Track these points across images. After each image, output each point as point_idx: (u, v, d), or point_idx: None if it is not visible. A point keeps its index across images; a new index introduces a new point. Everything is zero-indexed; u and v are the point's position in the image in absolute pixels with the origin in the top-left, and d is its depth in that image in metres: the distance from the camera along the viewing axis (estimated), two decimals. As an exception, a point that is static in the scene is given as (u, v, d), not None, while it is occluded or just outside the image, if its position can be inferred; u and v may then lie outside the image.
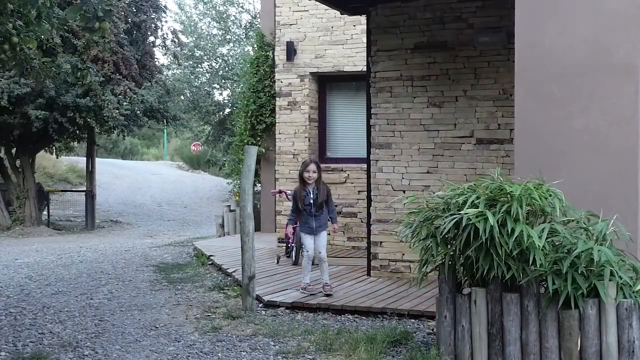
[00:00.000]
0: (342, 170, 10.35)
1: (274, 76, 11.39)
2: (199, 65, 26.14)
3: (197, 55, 25.65)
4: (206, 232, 16.98)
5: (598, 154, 5.48)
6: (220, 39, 26.11)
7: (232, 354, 5.16)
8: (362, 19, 9.25)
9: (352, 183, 10.21)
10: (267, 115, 12.27)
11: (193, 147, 36.76)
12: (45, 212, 19.24)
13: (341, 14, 9.05)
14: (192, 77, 25.68)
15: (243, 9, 26.90)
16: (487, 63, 7.50)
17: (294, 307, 6.52)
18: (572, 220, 4.67)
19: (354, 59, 10.29)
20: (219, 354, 5.16)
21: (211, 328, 5.87)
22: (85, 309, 6.86)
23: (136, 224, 21.03)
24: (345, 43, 10.39)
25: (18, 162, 18.33)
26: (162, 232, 18.58)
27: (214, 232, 14.44)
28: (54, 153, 20.57)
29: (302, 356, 5.05)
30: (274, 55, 11.52)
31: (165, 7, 18.24)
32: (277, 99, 10.99)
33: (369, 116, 7.99)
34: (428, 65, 7.71)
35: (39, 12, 5.82)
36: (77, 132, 17.89)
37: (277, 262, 8.93)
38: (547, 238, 4.38)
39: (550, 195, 4.53)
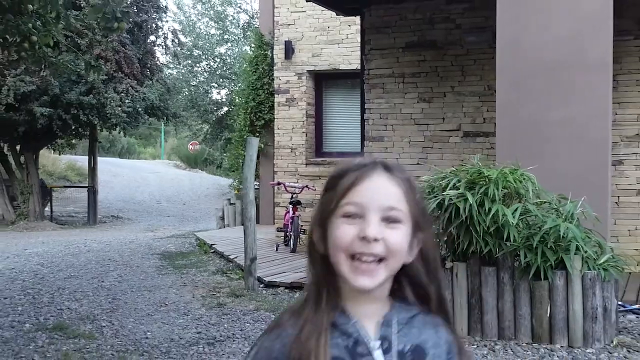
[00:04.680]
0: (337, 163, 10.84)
1: (273, 74, 11.88)
2: (197, 65, 26.63)
3: (196, 54, 26.13)
4: (205, 227, 17.43)
5: (574, 144, 5.99)
6: (218, 38, 26.60)
7: (236, 325, 5.66)
8: (357, 19, 9.74)
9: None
10: (266, 111, 12.76)
11: (190, 146, 37.14)
12: (47, 208, 19.71)
13: (337, 14, 9.55)
14: (190, 75, 26.18)
15: (241, 9, 27.39)
16: (473, 61, 8.01)
17: (293, 286, 7.02)
18: (545, 202, 5.18)
19: (349, 58, 10.78)
20: (225, 325, 5.66)
21: (217, 304, 6.37)
22: (97, 290, 7.35)
23: (136, 220, 21.48)
24: (340, 42, 10.88)
25: (22, 159, 18.79)
26: (162, 226, 19.03)
27: (213, 227, 14.93)
28: (57, 150, 21.07)
29: (300, 327, 5.54)
30: (272, 54, 12.02)
31: (165, 7, 18.71)
32: (275, 95, 11.48)
33: (362, 111, 8.50)
34: (418, 63, 8.22)
35: (57, 13, 6.32)
36: (79, 129, 18.39)
37: (276, 250, 9.42)
38: (520, 217, 4.89)
39: (524, 179, 5.03)
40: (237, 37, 26.70)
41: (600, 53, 6.11)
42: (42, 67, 6.71)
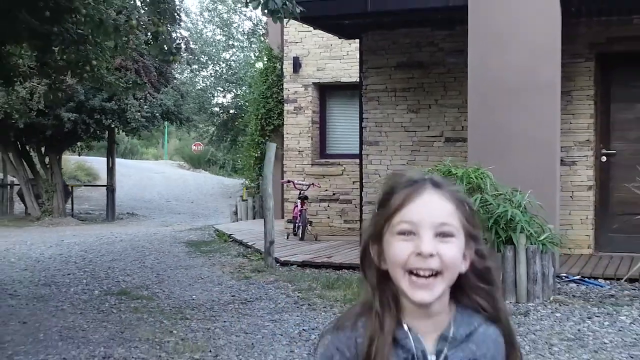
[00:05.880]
0: (339, 164, 12.37)
1: (281, 84, 13.41)
2: (204, 69, 28.14)
3: (202, 60, 27.61)
4: (216, 222, 18.93)
5: (529, 149, 7.55)
6: (224, 45, 28.09)
7: (262, 290, 7.21)
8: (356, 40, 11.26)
9: (347, 175, 12.23)
10: (275, 118, 14.31)
11: (194, 147, 38.45)
12: (68, 205, 21.25)
13: (339, 38, 11.10)
14: (197, 80, 27.70)
15: (245, 16, 28.93)
16: (453, 78, 9.55)
17: (304, 264, 8.56)
18: (501, 194, 6.72)
19: (350, 72, 12.29)
20: (252, 291, 7.21)
21: (244, 277, 7.92)
22: (142, 268, 8.90)
23: (150, 217, 22.96)
24: (342, 58, 12.40)
25: (46, 160, 20.33)
26: (176, 222, 20.50)
27: (225, 222, 16.44)
28: (76, 151, 22.64)
29: (312, 292, 7.09)
30: (282, 67, 13.55)
31: (180, 19, 20.19)
32: (285, 104, 13.01)
33: (361, 119, 10.04)
34: (407, 80, 9.77)
35: (116, 43, 7.85)
36: (97, 132, 19.94)
37: (287, 238, 10.97)
38: (480, 205, 6.43)
39: (484, 176, 6.58)
40: (241, 44, 28.23)
41: (550, 77, 7.67)
42: (100, 85, 8.19)
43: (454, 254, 1.29)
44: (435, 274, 1.28)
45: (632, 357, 4.68)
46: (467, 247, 1.32)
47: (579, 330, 5.40)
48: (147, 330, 5.64)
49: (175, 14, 6.50)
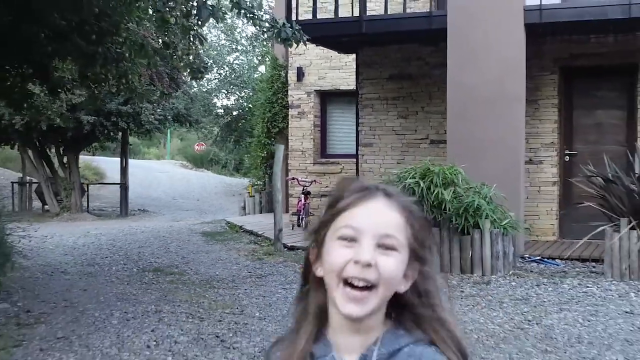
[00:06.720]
0: (338, 163, 13.78)
1: (286, 91, 14.81)
2: (209, 73, 29.47)
3: (208, 63, 28.95)
4: (224, 217, 20.29)
5: (498, 150, 8.95)
6: (228, 49, 29.46)
7: (274, 268, 8.63)
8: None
9: (346, 172, 13.61)
10: (280, 121, 15.73)
11: (196, 147, 39.64)
12: (84, 202, 22.65)
13: (338, 53, 12.51)
14: (202, 83, 29.03)
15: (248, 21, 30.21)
16: (437, 88, 10.94)
17: (308, 249, 9.96)
18: (471, 187, 8.13)
19: (348, 80, 13.67)
20: (266, 268, 8.63)
21: (257, 259, 9.34)
22: (167, 253, 10.31)
23: (160, 213, 24.28)
24: (341, 68, 13.80)
25: (64, 159, 21.74)
26: (185, 218, 21.82)
27: (233, 216, 17.82)
28: (90, 151, 24.06)
29: (315, 269, 8.50)
30: (286, 76, 14.96)
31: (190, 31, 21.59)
32: (289, 110, 14.41)
33: (357, 124, 11.46)
34: (398, 90, 11.18)
35: (149, 61, 9.26)
36: (111, 133, 21.35)
37: (292, 229, 12.38)
38: (454, 196, 7.84)
39: (457, 173, 7.99)
40: (245, 48, 29.62)
41: (516, 89, 9.09)
42: (134, 95, 9.60)
43: (393, 269, 1.21)
44: (370, 287, 1.20)
45: (561, 310, 6.11)
46: (409, 267, 1.24)
47: (526, 293, 6.82)
48: (185, 294, 7.06)
49: (204, 39, 7.89)
